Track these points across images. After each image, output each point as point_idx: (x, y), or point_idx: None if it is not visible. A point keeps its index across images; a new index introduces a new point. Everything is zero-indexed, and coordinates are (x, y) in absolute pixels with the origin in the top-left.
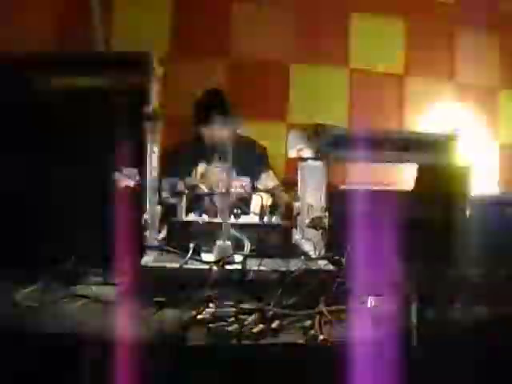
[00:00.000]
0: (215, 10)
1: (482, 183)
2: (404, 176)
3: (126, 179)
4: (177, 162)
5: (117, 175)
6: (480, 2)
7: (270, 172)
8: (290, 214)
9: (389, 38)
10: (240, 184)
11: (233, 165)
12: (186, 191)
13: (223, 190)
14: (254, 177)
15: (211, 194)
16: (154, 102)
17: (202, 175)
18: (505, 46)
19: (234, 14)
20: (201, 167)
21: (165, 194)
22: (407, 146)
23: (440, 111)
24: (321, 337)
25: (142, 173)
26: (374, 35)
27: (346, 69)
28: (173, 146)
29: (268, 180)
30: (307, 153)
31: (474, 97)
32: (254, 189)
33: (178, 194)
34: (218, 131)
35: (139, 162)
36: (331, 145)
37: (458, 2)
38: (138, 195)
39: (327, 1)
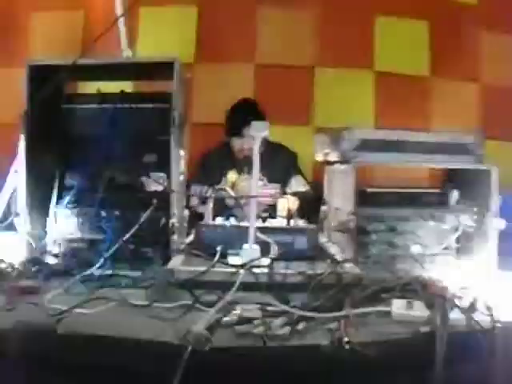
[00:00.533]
0: (240, 14)
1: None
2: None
3: (154, 183)
4: (208, 170)
5: (145, 180)
6: (503, 4)
7: (299, 177)
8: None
9: (414, 40)
10: (270, 192)
11: (263, 171)
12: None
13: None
14: (284, 182)
15: (238, 198)
16: (182, 106)
17: (233, 184)
18: None
19: (259, 17)
20: (231, 176)
21: (193, 201)
22: (434, 148)
23: (465, 113)
24: (346, 339)
25: (170, 177)
26: (399, 38)
27: (371, 71)
28: (205, 153)
29: (298, 185)
30: (334, 156)
31: (499, 98)
32: (284, 194)
33: (205, 202)
34: (248, 143)
35: (167, 167)
36: (357, 148)
37: (482, 4)
38: (165, 199)
39: (352, 3)
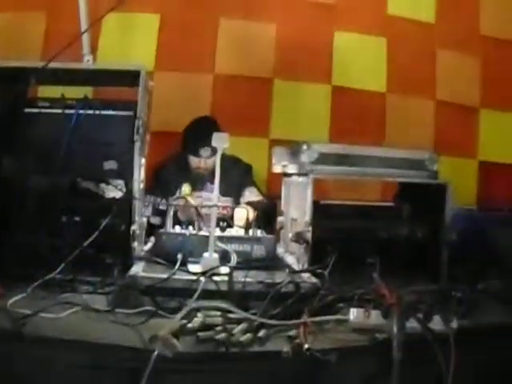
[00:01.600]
0: (202, 24)
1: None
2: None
3: (113, 190)
4: (163, 182)
5: (105, 186)
6: (460, 23)
7: (254, 188)
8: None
9: (370, 56)
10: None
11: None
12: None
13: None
14: (239, 194)
15: (198, 206)
16: (144, 115)
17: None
18: (485, 67)
19: (221, 28)
20: (185, 189)
21: (146, 212)
22: (389, 163)
23: (421, 128)
24: (306, 346)
25: (131, 184)
26: (356, 53)
27: (328, 85)
28: (159, 165)
29: (251, 196)
30: (292, 169)
31: (453, 114)
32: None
33: (158, 213)
34: (204, 161)
35: (127, 174)
36: (315, 161)
37: (440, 23)
38: (125, 206)
39: (311, 17)
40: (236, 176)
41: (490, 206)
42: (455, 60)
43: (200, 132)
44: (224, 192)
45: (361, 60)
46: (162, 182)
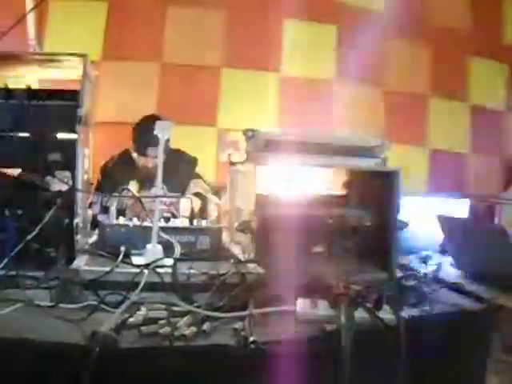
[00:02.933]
0: (149, 12)
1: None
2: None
3: (58, 182)
4: (110, 179)
5: (50, 179)
6: (409, 14)
7: (199, 180)
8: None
9: (321, 43)
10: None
11: (164, 179)
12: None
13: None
14: (184, 188)
15: (142, 197)
16: (88, 105)
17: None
18: (434, 57)
19: (168, 16)
20: (132, 184)
21: (94, 209)
22: (338, 150)
23: (367, 116)
24: (251, 338)
25: (75, 176)
26: (305, 42)
27: (277, 74)
28: (107, 161)
29: (196, 188)
30: (237, 157)
31: (403, 103)
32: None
33: (106, 210)
34: (152, 161)
35: (72, 165)
36: (261, 149)
37: (389, 11)
38: (69, 199)
39: (260, 6)
40: (182, 170)
41: (438, 192)
42: (404, 47)
43: (147, 131)
44: (171, 187)
45: (310, 48)
46: (108, 180)
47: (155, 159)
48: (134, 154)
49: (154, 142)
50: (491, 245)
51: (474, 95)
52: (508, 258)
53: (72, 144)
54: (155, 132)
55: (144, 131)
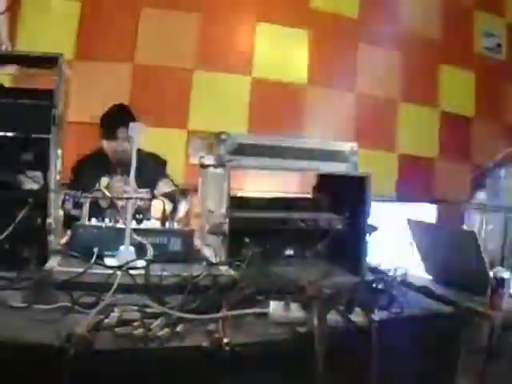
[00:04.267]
0: (123, 12)
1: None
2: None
3: (30, 182)
4: (81, 176)
5: (22, 178)
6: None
7: (167, 180)
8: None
9: (293, 48)
10: (140, 195)
11: (135, 178)
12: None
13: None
14: (154, 187)
15: (113, 198)
16: (61, 104)
17: (106, 187)
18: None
19: (142, 17)
20: (104, 180)
21: (67, 204)
22: (309, 154)
23: (339, 120)
24: (225, 340)
25: (47, 176)
26: (278, 45)
27: (248, 77)
28: (79, 160)
29: (165, 187)
30: (209, 160)
31: (374, 107)
32: (153, 197)
33: (79, 206)
34: (121, 145)
35: (44, 165)
36: (233, 152)
37: (362, 18)
38: (42, 199)
39: (233, 9)
40: (151, 169)
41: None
42: (376, 54)
43: (115, 115)
44: (141, 185)
45: (282, 52)
46: (80, 178)
47: (124, 143)
48: (104, 142)
49: (121, 123)
50: (458, 248)
51: (443, 101)
52: (474, 261)
53: (45, 144)
54: (129, 133)
55: (111, 115)
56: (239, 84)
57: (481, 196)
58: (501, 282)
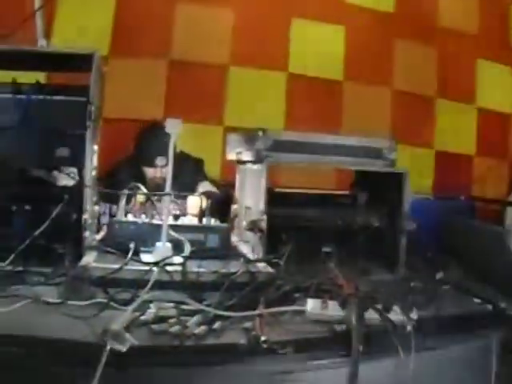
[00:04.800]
0: (158, 8)
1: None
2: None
3: (66, 178)
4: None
5: (57, 174)
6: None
7: (206, 182)
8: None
9: (330, 44)
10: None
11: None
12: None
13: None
14: (193, 190)
15: (151, 194)
16: (97, 100)
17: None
18: (441, 57)
19: (177, 12)
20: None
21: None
22: (345, 151)
23: (378, 117)
24: (262, 338)
25: (83, 172)
26: (314, 41)
27: (284, 72)
28: (114, 166)
29: (204, 190)
30: (246, 156)
31: (410, 103)
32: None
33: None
34: (160, 171)
35: (80, 162)
36: (270, 148)
37: (398, 12)
38: (77, 195)
39: (269, 5)
40: (188, 174)
41: (446, 195)
42: (412, 50)
43: (154, 142)
44: (178, 191)
45: (318, 48)
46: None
47: (163, 169)
48: (141, 167)
49: (161, 151)
50: (492, 247)
51: (481, 98)
52: (502, 260)
53: (81, 140)
54: (166, 129)
55: (150, 142)
56: (275, 80)
57: None
58: None
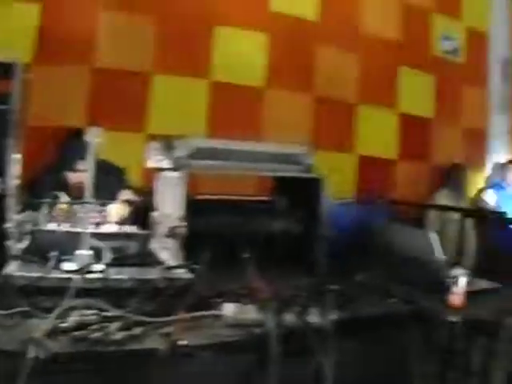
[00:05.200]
0: (82, 17)
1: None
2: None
3: None
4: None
5: None
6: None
7: (128, 191)
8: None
9: (252, 52)
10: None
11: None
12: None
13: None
14: (113, 198)
15: (71, 203)
16: (19, 108)
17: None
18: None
19: (101, 20)
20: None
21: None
22: (264, 157)
23: (299, 124)
24: (181, 342)
25: (5, 181)
26: (237, 49)
27: (207, 80)
28: (32, 178)
29: (125, 197)
30: (166, 163)
31: (331, 110)
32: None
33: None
34: (82, 176)
35: (2, 170)
36: (190, 156)
37: (321, 20)
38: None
39: (192, 12)
40: (110, 182)
41: (367, 199)
42: (335, 57)
43: (75, 148)
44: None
45: (241, 55)
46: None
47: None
48: (63, 173)
49: (82, 156)
50: (416, 247)
51: (402, 103)
52: (430, 260)
53: (2, 149)
54: (85, 138)
55: (72, 147)
56: (198, 87)
57: (441, 196)
58: (455, 281)
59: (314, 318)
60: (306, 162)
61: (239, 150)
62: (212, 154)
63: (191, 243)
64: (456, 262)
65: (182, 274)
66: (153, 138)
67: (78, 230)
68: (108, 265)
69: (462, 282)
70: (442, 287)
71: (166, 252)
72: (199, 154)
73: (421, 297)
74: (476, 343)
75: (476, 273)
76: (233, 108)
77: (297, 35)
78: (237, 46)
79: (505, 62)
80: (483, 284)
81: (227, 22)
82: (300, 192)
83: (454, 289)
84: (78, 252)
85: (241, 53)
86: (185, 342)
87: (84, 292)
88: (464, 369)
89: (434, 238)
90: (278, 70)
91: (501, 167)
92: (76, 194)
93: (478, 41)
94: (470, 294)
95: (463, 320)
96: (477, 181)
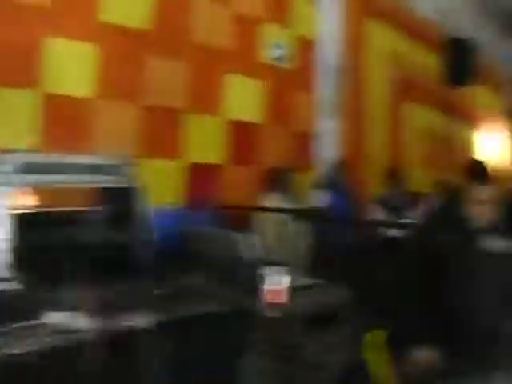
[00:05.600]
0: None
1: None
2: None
3: None
4: None
5: None
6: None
7: None
8: None
9: (81, 63)
10: None
11: None
12: None
13: None
14: None
15: None
16: None
17: None
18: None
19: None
20: None
21: None
22: (88, 169)
23: (126, 133)
24: (10, 351)
25: None
26: (67, 60)
27: (37, 92)
28: None
29: None
30: None
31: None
32: None
33: None
34: None
35: None
36: (20, 171)
37: (151, 29)
38: None
39: (19, 21)
40: None
41: (198, 205)
42: (163, 65)
43: None
44: None
45: (71, 66)
46: None
47: None
48: None
49: None
50: (225, 250)
51: (231, 110)
52: (242, 260)
53: None
54: None
55: None
56: (28, 99)
57: (271, 199)
58: (263, 280)
59: (137, 320)
60: (125, 172)
61: (66, 163)
62: (37, 167)
63: (23, 256)
64: (277, 261)
65: (11, 285)
66: None
67: None
68: None
69: (283, 279)
70: (257, 286)
71: None
72: (30, 168)
73: (241, 296)
74: (310, 337)
75: (306, 270)
76: (64, 120)
77: (126, 45)
78: (66, 56)
79: (333, 68)
80: (307, 281)
81: (56, 33)
82: (122, 201)
83: (272, 286)
84: None
85: (70, 64)
86: (12, 351)
87: None
88: (298, 362)
89: (253, 240)
90: (107, 79)
91: (333, 167)
92: None
93: (306, 49)
94: (295, 290)
95: (291, 315)
96: (306, 182)
